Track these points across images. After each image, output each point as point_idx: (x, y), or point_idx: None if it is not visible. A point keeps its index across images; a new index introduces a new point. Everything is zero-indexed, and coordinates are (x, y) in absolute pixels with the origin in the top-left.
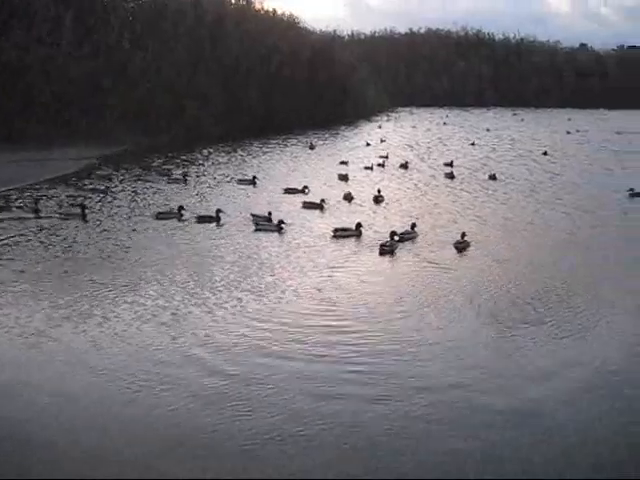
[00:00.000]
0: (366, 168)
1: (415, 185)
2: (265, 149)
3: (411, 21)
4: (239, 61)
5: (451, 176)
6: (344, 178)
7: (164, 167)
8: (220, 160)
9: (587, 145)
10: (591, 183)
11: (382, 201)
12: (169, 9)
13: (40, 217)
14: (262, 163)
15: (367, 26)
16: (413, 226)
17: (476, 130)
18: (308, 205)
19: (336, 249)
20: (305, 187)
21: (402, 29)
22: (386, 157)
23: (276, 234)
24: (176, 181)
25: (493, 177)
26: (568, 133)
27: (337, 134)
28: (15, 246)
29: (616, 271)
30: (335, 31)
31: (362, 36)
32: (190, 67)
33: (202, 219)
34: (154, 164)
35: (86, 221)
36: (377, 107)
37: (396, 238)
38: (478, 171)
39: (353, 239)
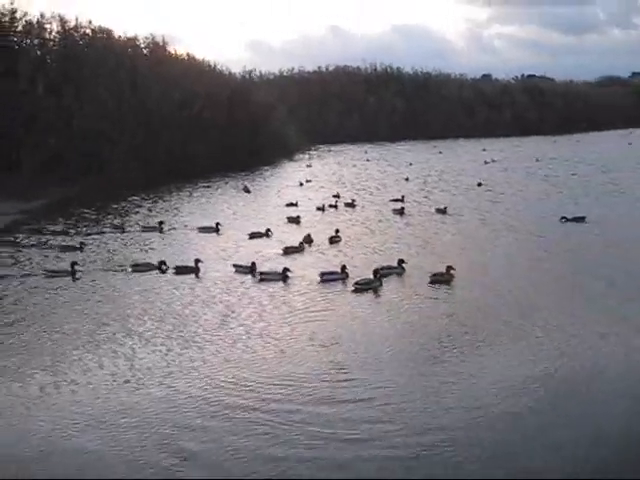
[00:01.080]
0: (318, 209)
1: (369, 223)
2: (197, 194)
3: (313, 62)
4: (159, 105)
5: (401, 212)
6: (295, 221)
7: (101, 218)
8: (158, 207)
9: (513, 174)
10: (530, 210)
11: (339, 241)
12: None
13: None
14: (205, 209)
15: (271, 67)
16: (400, 262)
17: (400, 164)
18: (290, 250)
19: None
20: (268, 230)
21: (309, 68)
22: (337, 197)
23: (280, 283)
24: (120, 230)
25: (443, 211)
26: (486, 163)
27: (262, 175)
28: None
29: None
30: (251, 72)
31: (271, 76)
32: (114, 112)
33: (180, 270)
34: (89, 216)
35: (76, 279)
36: (296, 146)
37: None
38: (423, 205)
39: (340, 282)
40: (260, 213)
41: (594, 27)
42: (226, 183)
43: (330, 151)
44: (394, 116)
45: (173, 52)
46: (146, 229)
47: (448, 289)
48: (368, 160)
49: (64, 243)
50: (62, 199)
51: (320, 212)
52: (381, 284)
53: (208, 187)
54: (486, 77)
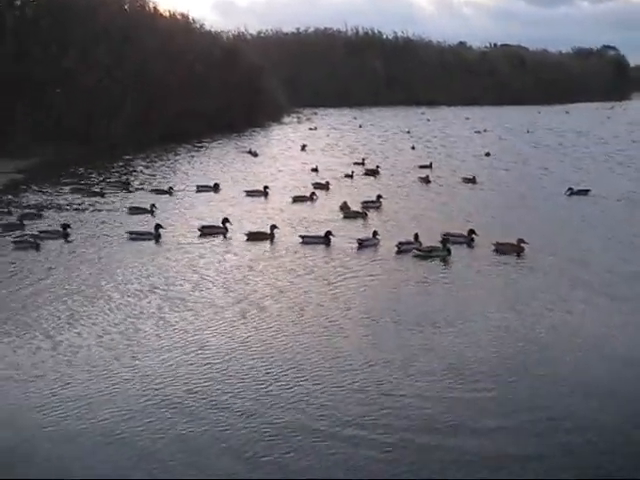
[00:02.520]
0: (346, 176)
1: (400, 190)
2: (203, 157)
3: (279, 23)
4: (152, 64)
5: (427, 180)
6: (323, 187)
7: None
8: (173, 169)
9: (516, 144)
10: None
11: (378, 207)
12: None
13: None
14: (225, 172)
15: (238, 28)
16: (471, 232)
17: (395, 131)
18: (350, 214)
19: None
20: (313, 194)
21: (279, 29)
22: (362, 163)
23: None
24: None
25: (472, 180)
26: (477, 132)
27: (255, 137)
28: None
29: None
30: (242, 32)
31: (248, 36)
32: (104, 71)
33: (254, 236)
34: (90, 174)
35: (69, 241)
36: (283, 109)
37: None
38: (446, 173)
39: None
40: (282, 177)
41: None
42: (224, 146)
43: (316, 114)
44: (374, 81)
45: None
46: (201, 189)
47: (520, 260)
48: (360, 126)
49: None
50: (59, 159)
51: (348, 178)
52: (449, 253)
53: (208, 149)
54: (462, 44)
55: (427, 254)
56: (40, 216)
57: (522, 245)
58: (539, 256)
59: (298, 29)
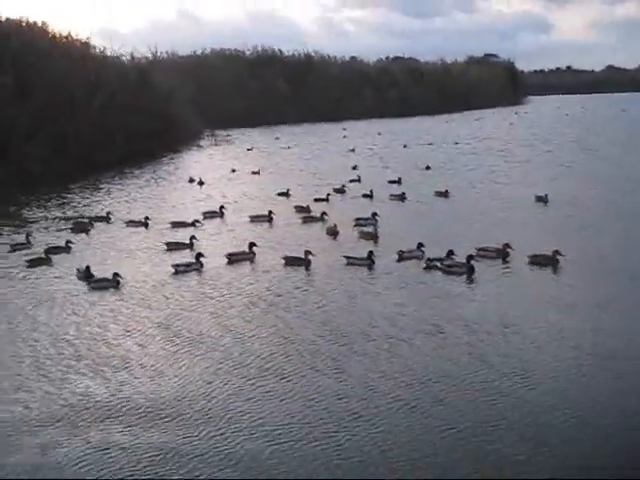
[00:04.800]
0: (317, 200)
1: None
2: (133, 184)
3: (167, 46)
4: (64, 92)
5: (402, 197)
6: (305, 210)
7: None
8: (133, 198)
9: (458, 156)
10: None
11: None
12: None
13: None
14: (177, 202)
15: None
16: (506, 246)
17: (325, 149)
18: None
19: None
20: (324, 213)
21: (182, 52)
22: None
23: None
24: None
25: (444, 194)
26: (405, 147)
27: (175, 163)
28: None
29: None
30: (155, 54)
31: (143, 60)
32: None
33: (290, 261)
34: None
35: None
36: (193, 132)
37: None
38: (418, 189)
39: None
40: (254, 201)
41: (440, 11)
42: (156, 173)
43: (229, 135)
44: (279, 99)
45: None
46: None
47: (555, 273)
48: (289, 147)
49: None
50: None
51: (323, 202)
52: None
53: (140, 177)
54: (354, 59)
55: (448, 269)
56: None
57: (557, 257)
58: (574, 267)
59: (194, 52)
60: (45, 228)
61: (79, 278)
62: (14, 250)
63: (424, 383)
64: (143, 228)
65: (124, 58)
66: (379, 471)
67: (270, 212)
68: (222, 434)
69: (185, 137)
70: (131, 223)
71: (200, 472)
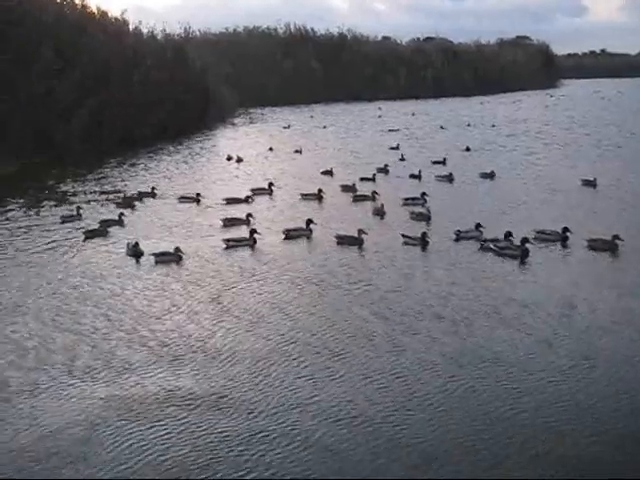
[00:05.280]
0: (363, 179)
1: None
2: (171, 160)
3: (198, 24)
4: (102, 69)
5: (450, 179)
6: (350, 189)
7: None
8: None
9: (496, 138)
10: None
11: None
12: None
13: None
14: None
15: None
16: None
17: (360, 129)
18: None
19: None
20: (374, 192)
21: (214, 29)
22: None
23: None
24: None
25: (491, 175)
26: (442, 128)
27: (217, 140)
28: None
29: None
30: (188, 31)
31: (176, 37)
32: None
33: (342, 240)
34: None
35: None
36: (227, 110)
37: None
38: (460, 171)
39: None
40: (297, 179)
41: None
42: (190, 148)
43: (263, 114)
44: (312, 78)
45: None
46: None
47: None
48: (325, 127)
49: None
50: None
51: (370, 181)
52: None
53: (175, 154)
54: (386, 39)
55: (501, 251)
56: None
57: (617, 242)
58: (634, 252)
59: (227, 29)
60: (87, 202)
61: (128, 254)
62: (63, 222)
63: (481, 364)
64: (194, 204)
65: (159, 35)
66: (437, 453)
67: (320, 190)
68: (275, 412)
69: (220, 115)
70: (183, 199)
71: (255, 451)
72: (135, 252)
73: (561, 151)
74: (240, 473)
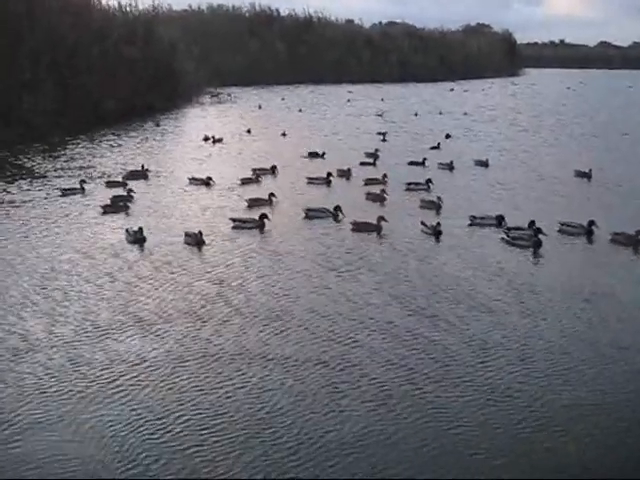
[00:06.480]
0: (363, 164)
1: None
2: (143, 138)
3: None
4: (67, 41)
5: (451, 167)
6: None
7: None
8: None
9: (473, 125)
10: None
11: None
12: None
13: None
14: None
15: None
16: (591, 223)
17: (339, 111)
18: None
19: None
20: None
21: (176, 6)
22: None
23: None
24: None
25: (485, 163)
26: (416, 115)
27: (191, 119)
28: None
29: None
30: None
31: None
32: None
33: (359, 227)
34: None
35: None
36: (196, 89)
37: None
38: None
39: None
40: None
41: None
42: (163, 127)
43: (230, 95)
44: (277, 59)
45: None
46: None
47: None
48: (301, 110)
49: None
50: None
51: (370, 166)
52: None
53: (148, 132)
54: (350, 22)
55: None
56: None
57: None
58: None
59: (190, 6)
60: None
61: (129, 241)
62: (64, 195)
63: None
64: (205, 187)
65: (128, 9)
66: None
67: (329, 174)
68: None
69: (188, 93)
70: (194, 180)
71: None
72: (137, 238)
73: (540, 140)
74: None
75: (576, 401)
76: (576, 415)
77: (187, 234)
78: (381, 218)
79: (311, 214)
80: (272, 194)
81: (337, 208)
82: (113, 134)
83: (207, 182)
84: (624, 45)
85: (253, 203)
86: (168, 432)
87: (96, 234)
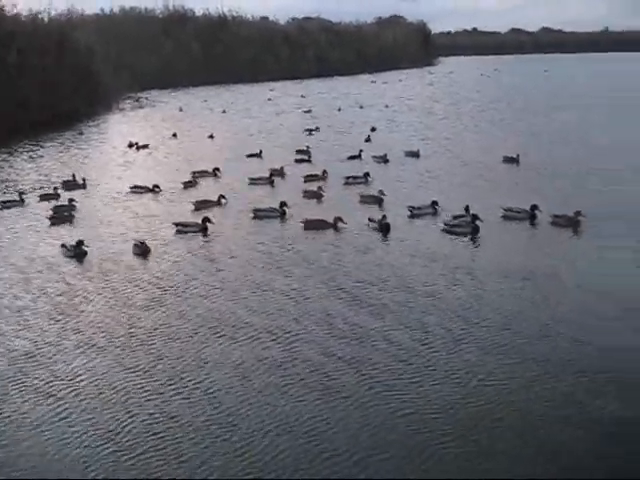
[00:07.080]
0: (298, 161)
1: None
2: (65, 147)
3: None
4: None
5: (385, 160)
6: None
7: None
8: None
9: (395, 116)
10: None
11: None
12: None
13: None
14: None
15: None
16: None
17: (260, 113)
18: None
19: None
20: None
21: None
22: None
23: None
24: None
25: (416, 154)
26: (339, 110)
27: (117, 127)
28: None
29: None
30: (70, 12)
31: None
32: None
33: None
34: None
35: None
36: (114, 94)
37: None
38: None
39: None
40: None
41: None
42: (85, 136)
43: (147, 99)
44: (192, 60)
45: None
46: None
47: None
48: (224, 111)
49: None
50: None
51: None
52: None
53: (70, 141)
54: (265, 19)
55: (451, 229)
56: None
57: (579, 218)
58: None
59: (102, 10)
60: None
61: (67, 255)
62: (2, 208)
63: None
64: (150, 194)
65: (41, 15)
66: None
67: (271, 174)
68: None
69: (108, 99)
70: (136, 188)
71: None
72: (76, 253)
73: (461, 127)
74: None
75: (514, 374)
76: (516, 387)
77: (135, 244)
78: (338, 219)
79: (260, 214)
80: (222, 195)
81: (283, 204)
82: (34, 144)
83: (153, 189)
84: (534, 30)
85: (200, 205)
86: (115, 442)
87: (42, 246)
